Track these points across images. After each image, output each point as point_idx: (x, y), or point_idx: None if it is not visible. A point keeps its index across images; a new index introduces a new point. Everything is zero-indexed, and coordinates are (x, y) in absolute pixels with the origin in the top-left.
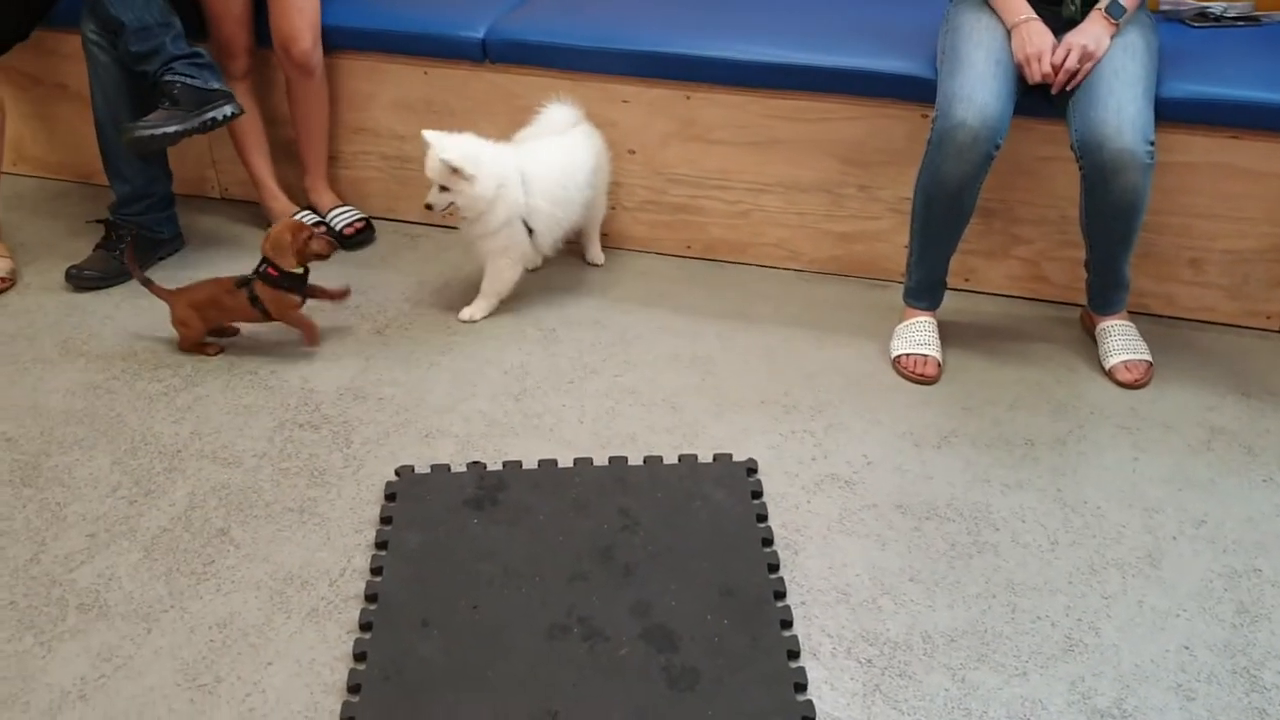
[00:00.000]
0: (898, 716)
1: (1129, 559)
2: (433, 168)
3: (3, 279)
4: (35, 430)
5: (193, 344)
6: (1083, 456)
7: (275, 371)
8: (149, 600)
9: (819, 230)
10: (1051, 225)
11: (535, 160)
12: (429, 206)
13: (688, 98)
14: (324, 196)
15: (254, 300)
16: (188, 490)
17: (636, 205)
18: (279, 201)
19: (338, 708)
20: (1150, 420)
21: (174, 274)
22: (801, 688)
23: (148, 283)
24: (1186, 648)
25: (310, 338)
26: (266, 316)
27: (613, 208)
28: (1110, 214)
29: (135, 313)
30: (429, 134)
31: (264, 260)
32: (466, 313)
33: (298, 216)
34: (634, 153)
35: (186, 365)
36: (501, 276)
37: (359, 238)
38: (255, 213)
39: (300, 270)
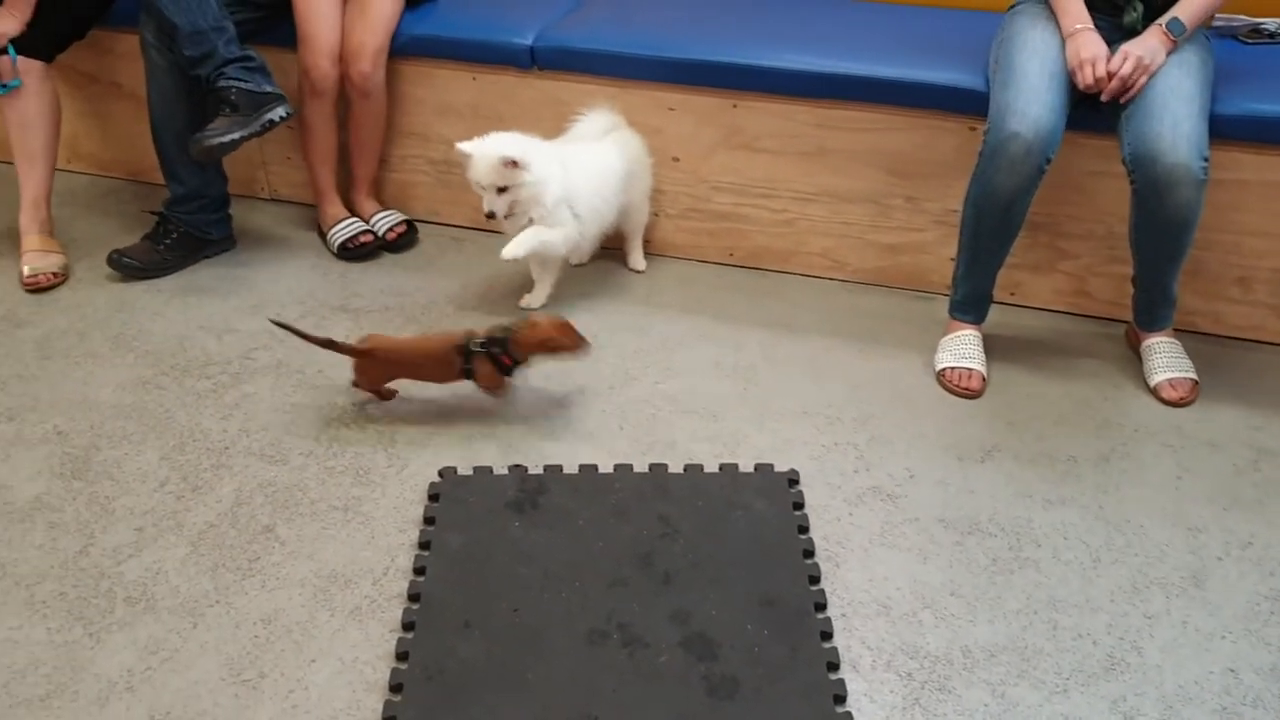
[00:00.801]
0: None
1: (1172, 579)
2: (485, 172)
3: (55, 274)
4: (85, 424)
5: (368, 390)
6: (1126, 474)
7: (322, 371)
8: (195, 595)
9: (864, 241)
10: (1098, 240)
11: (568, 161)
12: (491, 215)
13: (734, 106)
14: (366, 205)
15: (468, 372)
16: (234, 486)
17: (680, 213)
18: (334, 206)
19: (379, 706)
20: (1195, 439)
21: (224, 272)
22: (841, 699)
23: (330, 344)
24: (1231, 670)
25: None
26: (463, 377)
27: (655, 214)
28: (1161, 230)
29: (185, 309)
30: (465, 145)
31: (503, 342)
32: (532, 300)
33: (347, 223)
34: (678, 160)
35: (234, 363)
36: (553, 233)
37: (401, 241)
38: (304, 214)
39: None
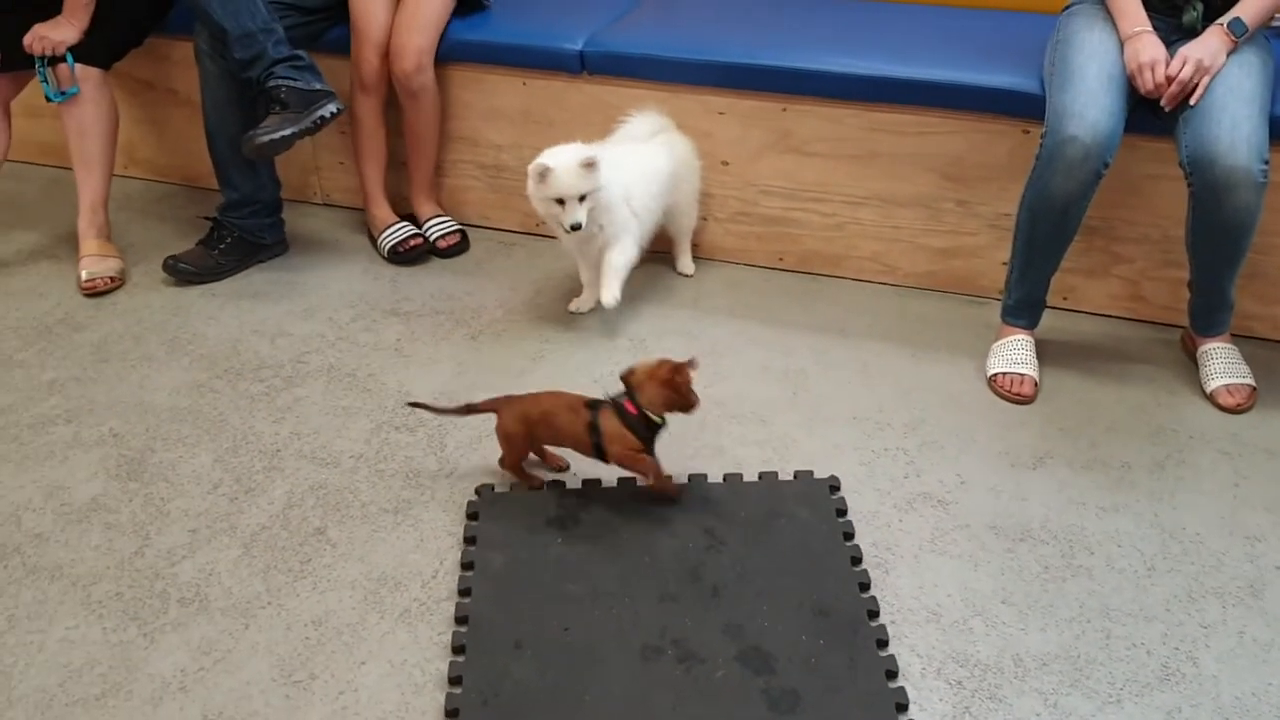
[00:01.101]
0: None
1: (1229, 588)
2: (569, 181)
3: (112, 278)
4: (141, 427)
5: (514, 464)
6: (1182, 481)
7: (373, 375)
8: (247, 596)
9: (915, 245)
10: (1154, 244)
11: (618, 161)
12: (577, 226)
13: (784, 110)
14: (424, 207)
15: (593, 428)
16: (286, 489)
17: (729, 216)
18: (382, 209)
19: (429, 708)
20: (1253, 446)
21: (277, 277)
22: (903, 708)
23: (469, 409)
24: None
25: (661, 486)
26: (600, 454)
27: (704, 218)
28: (1219, 233)
29: (238, 313)
30: (542, 159)
31: (625, 392)
32: (611, 298)
33: (396, 227)
34: (728, 164)
35: (287, 366)
36: (627, 253)
37: (453, 249)
38: (356, 218)
39: (661, 420)
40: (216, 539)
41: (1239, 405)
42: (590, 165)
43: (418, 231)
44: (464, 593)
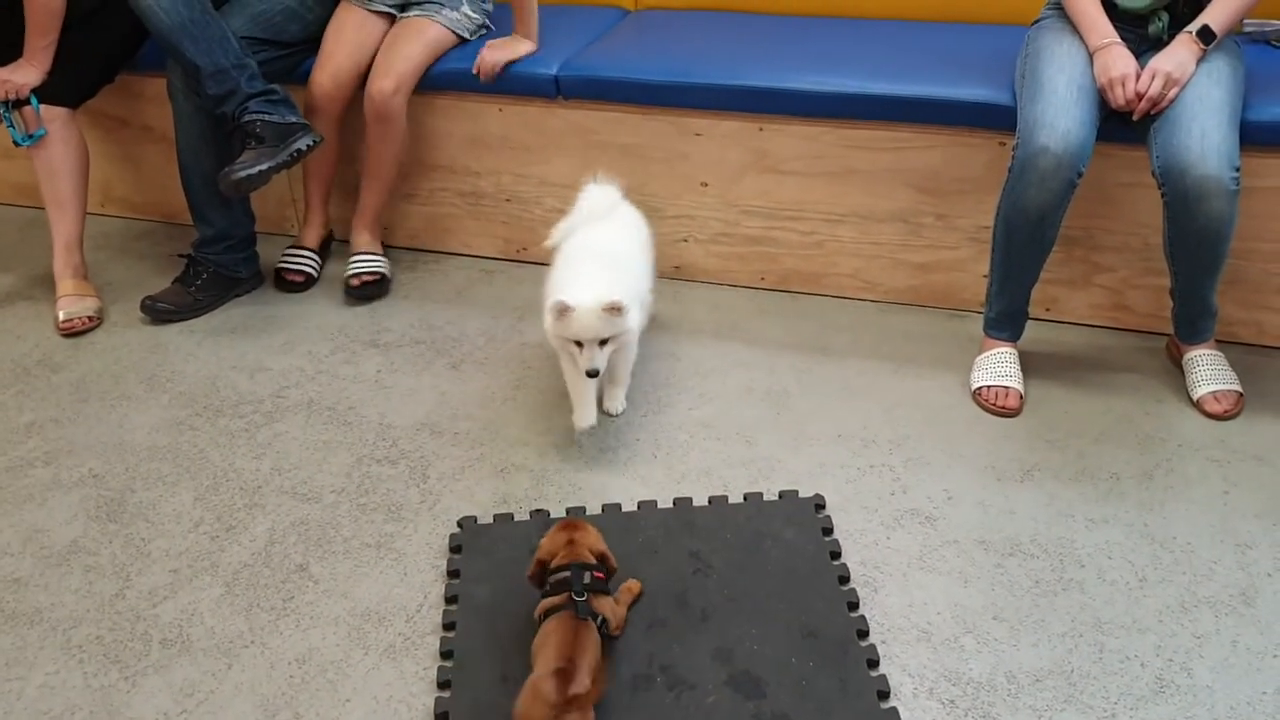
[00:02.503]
0: None
1: (1222, 597)
2: (592, 325)
3: (90, 318)
4: (120, 466)
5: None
6: (1171, 490)
7: (353, 408)
8: (230, 635)
9: (895, 260)
10: (1134, 253)
11: (618, 257)
12: (594, 373)
13: (760, 129)
14: (360, 238)
15: (600, 622)
16: (268, 526)
17: (709, 238)
18: (311, 229)
19: None
20: (1241, 453)
21: (254, 311)
22: None
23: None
24: None
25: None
26: (605, 639)
27: (685, 240)
28: (1195, 241)
29: (216, 350)
30: (563, 297)
31: (584, 566)
32: (617, 406)
33: (295, 252)
34: (707, 185)
35: (266, 402)
36: (633, 355)
37: (364, 291)
38: (334, 251)
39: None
40: (198, 578)
41: (1226, 412)
42: (616, 310)
43: (303, 266)
44: (448, 627)
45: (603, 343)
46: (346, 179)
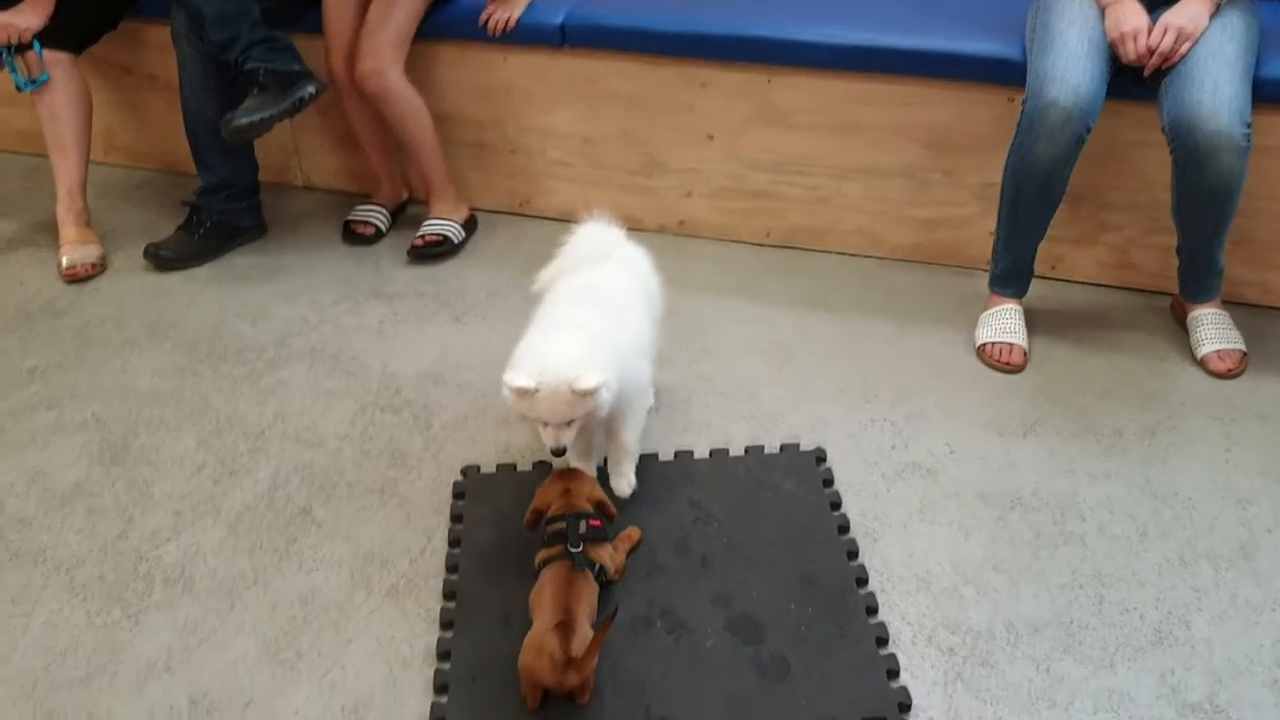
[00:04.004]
0: (980, 706)
1: (1221, 551)
2: (558, 410)
3: (93, 265)
4: (123, 411)
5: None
6: (1173, 447)
7: (356, 357)
8: (233, 576)
9: (901, 217)
10: (1142, 211)
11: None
12: (560, 452)
13: (768, 81)
14: (432, 206)
15: (598, 571)
16: (271, 470)
17: (713, 192)
18: (383, 191)
19: (417, 683)
20: (1244, 411)
21: (258, 260)
22: (894, 674)
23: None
24: None
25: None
26: (603, 586)
27: (688, 194)
28: (1204, 199)
29: (219, 297)
30: (519, 378)
31: (580, 515)
32: (626, 485)
33: (364, 206)
34: (712, 138)
35: (269, 349)
36: (641, 421)
37: (420, 251)
38: (339, 201)
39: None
40: (201, 520)
41: (1230, 371)
42: (587, 396)
43: (369, 218)
44: (452, 569)
45: (570, 422)
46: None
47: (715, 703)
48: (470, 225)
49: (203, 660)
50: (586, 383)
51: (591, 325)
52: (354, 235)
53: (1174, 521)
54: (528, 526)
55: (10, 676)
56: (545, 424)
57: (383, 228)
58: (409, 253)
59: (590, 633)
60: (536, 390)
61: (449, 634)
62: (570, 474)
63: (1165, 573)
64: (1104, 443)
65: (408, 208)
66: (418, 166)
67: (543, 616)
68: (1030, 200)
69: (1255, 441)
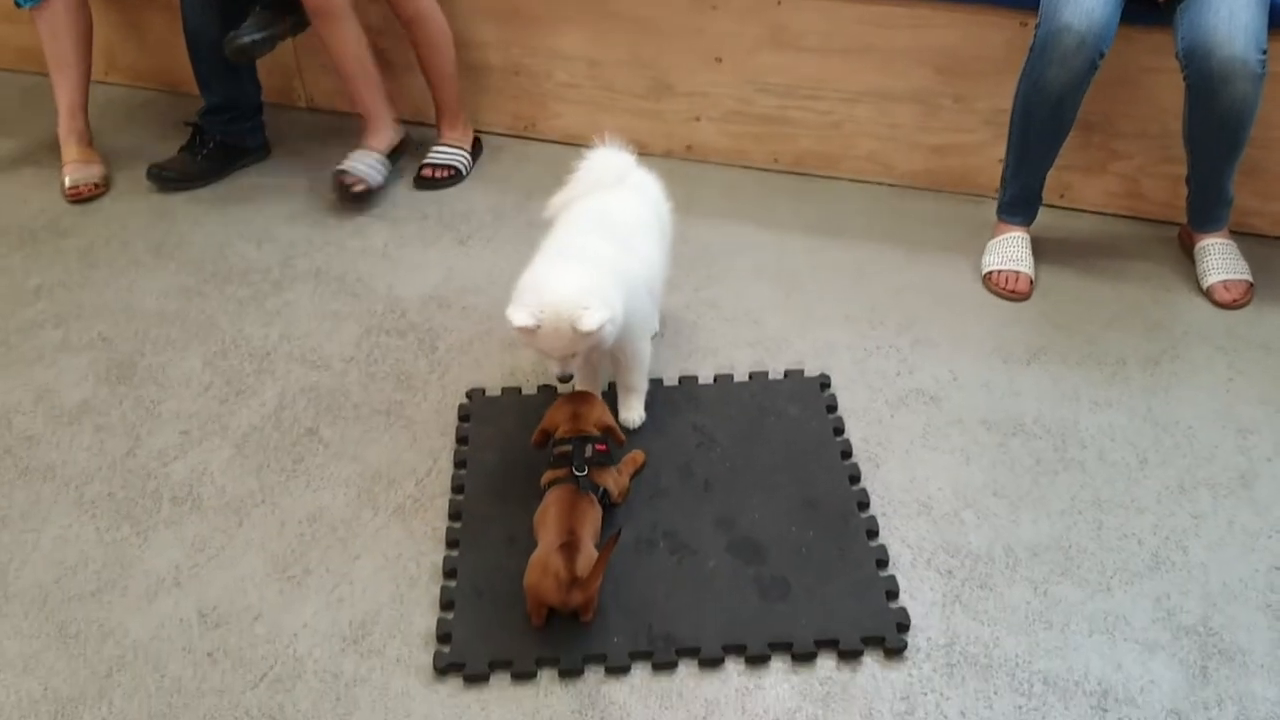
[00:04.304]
0: (977, 627)
1: (1221, 479)
2: (559, 345)
3: (96, 185)
4: (129, 330)
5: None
6: (1176, 376)
7: (361, 279)
8: (240, 494)
9: (912, 143)
10: (1152, 140)
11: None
12: (567, 379)
13: (778, 3)
14: (445, 134)
15: (602, 494)
16: (277, 391)
17: (722, 116)
18: (375, 136)
19: (423, 599)
20: (1248, 341)
21: (261, 181)
22: (893, 595)
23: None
24: (1278, 569)
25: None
26: (607, 509)
27: (697, 119)
28: (1216, 126)
29: (224, 218)
30: (521, 314)
31: (586, 439)
32: (635, 417)
33: (359, 152)
34: (721, 61)
35: (274, 270)
36: (647, 356)
37: (430, 182)
38: (341, 122)
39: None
40: (208, 439)
41: (1236, 301)
42: (588, 335)
43: (364, 176)
44: (457, 489)
45: (574, 354)
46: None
47: (717, 622)
48: (476, 150)
49: (211, 576)
50: (587, 323)
51: (599, 255)
52: (347, 192)
53: (1174, 449)
54: (535, 446)
55: (22, 590)
56: (551, 358)
57: (379, 182)
58: (416, 181)
59: (594, 553)
60: (538, 328)
61: (455, 553)
62: (579, 397)
63: (1164, 499)
64: (1107, 371)
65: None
66: (435, 91)
67: (547, 537)
68: (1041, 126)
69: (1258, 371)
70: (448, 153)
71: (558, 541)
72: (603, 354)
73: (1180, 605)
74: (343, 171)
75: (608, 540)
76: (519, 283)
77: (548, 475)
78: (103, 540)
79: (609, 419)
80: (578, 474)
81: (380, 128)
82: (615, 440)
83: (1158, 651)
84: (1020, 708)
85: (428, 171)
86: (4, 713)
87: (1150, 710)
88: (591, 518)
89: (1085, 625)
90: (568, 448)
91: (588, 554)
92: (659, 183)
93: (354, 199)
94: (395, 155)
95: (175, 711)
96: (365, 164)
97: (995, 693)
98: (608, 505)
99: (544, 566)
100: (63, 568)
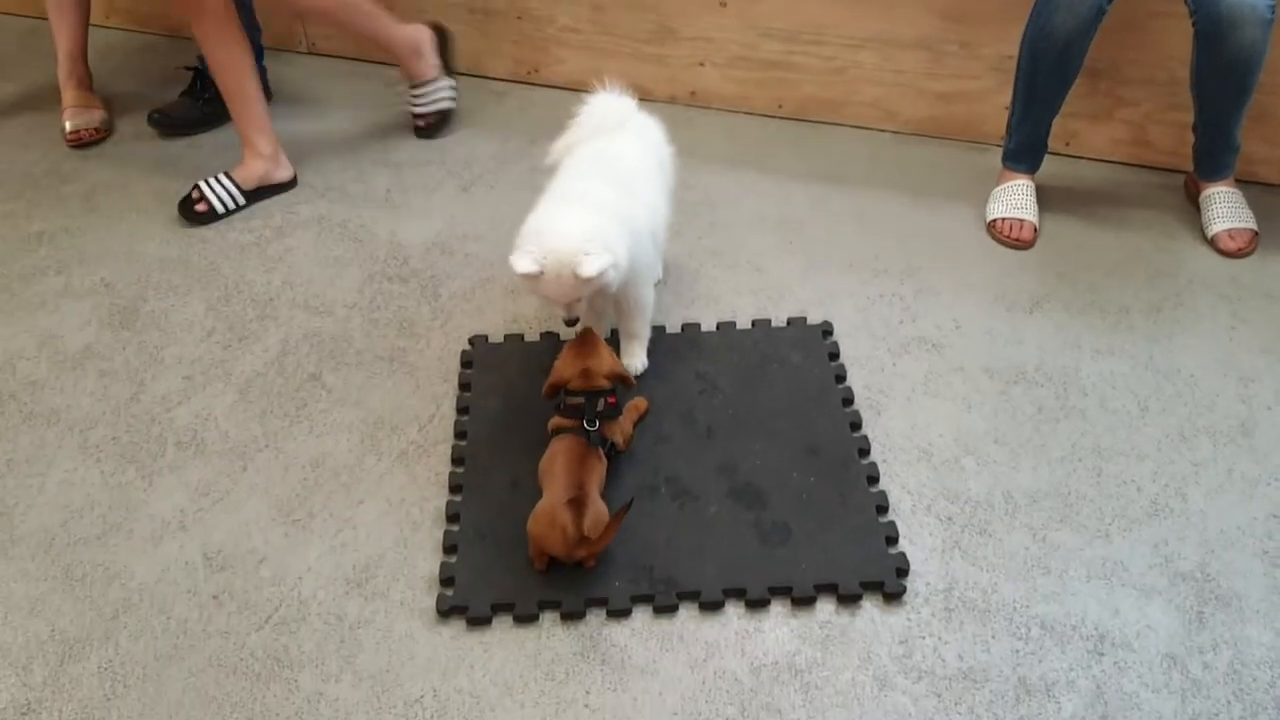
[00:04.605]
0: (976, 572)
1: (1221, 427)
2: (563, 291)
3: (96, 129)
4: (132, 276)
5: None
6: (1178, 324)
7: (364, 225)
8: (244, 439)
9: (917, 89)
10: (1159, 87)
11: (621, 187)
12: (573, 322)
13: None
14: (410, 72)
15: (609, 448)
16: (280, 337)
17: (727, 61)
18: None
19: (426, 543)
20: (1252, 290)
21: None
22: (893, 541)
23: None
24: (1275, 516)
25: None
26: (612, 459)
27: (701, 64)
28: (1224, 72)
29: (225, 164)
30: (524, 261)
31: (599, 393)
32: (638, 364)
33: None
34: (725, 5)
35: (277, 217)
36: (650, 304)
37: (429, 131)
38: (344, 67)
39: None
40: (211, 385)
41: (1240, 249)
42: (590, 280)
43: (202, 186)
44: (460, 435)
45: (578, 299)
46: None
47: (717, 566)
48: (444, 46)
49: (216, 520)
50: (588, 269)
51: (603, 200)
52: (190, 205)
53: (1175, 397)
54: (545, 398)
55: (28, 533)
56: (556, 303)
57: (223, 213)
58: (416, 133)
59: (602, 508)
60: (541, 274)
61: (457, 497)
62: (586, 346)
63: (1164, 447)
64: (1110, 319)
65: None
66: (378, 43)
67: (554, 489)
68: (1047, 73)
69: (1261, 320)
70: (426, 93)
71: (566, 495)
72: (606, 299)
73: (1178, 551)
74: (197, 185)
75: (619, 509)
76: (522, 229)
77: (555, 422)
78: (108, 484)
79: (618, 366)
80: (589, 429)
81: (248, 158)
82: (626, 385)
83: (1154, 597)
84: (1017, 651)
85: (421, 123)
86: (12, 653)
87: (1146, 654)
88: (599, 471)
89: (1083, 571)
90: (579, 399)
91: (595, 510)
92: (661, 127)
93: (194, 216)
94: (276, 190)
95: (181, 653)
96: (220, 189)
97: (993, 637)
98: (613, 455)
99: (551, 519)
100: (68, 511)
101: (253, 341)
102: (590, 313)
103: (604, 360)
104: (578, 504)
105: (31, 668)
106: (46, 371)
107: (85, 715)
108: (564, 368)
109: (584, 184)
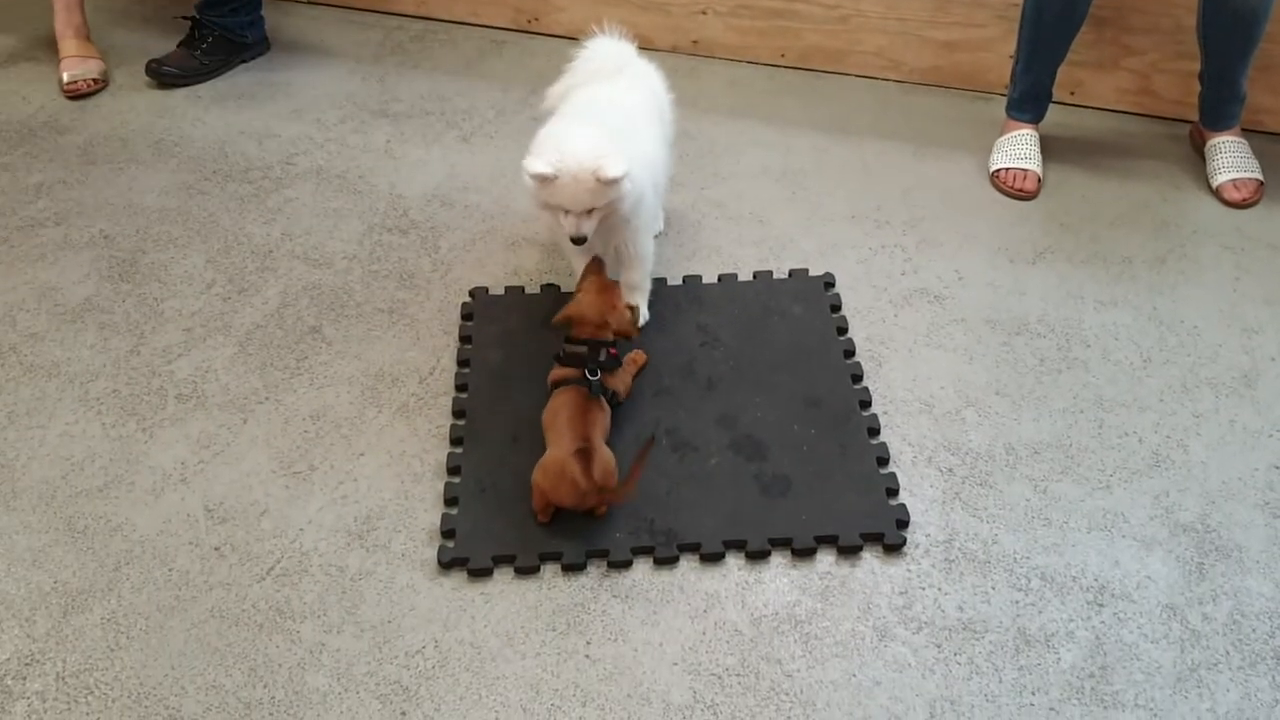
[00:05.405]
0: (976, 523)
1: (1223, 378)
2: (576, 197)
3: (95, 80)
4: (131, 228)
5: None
6: (1182, 275)
7: (363, 177)
8: (244, 392)
9: (921, 38)
10: (1165, 35)
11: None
12: (581, 240)
13: None
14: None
15: (610, 397)
16: (280, 289)
17: (729, 10)
18: None
19: (427, 495)
20: (1256, 240)
21: (261, 77)
22: (893, 493)
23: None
24: (1277, 468)
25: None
26: (613, 410)
27: (703, 12)
28: (1230, 21)
29: (224, 115)
30: (539, 163)
31: (602, 343)
32: (640, 319)
33: None
34: None
35: (275, 168)
36: (649, 255)
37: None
38: (343, 16)
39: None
40: (212, 337)
41: (1245, 200)
42: (609, 184)
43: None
44: (461, 388)
45: (591, 211)
46: None
47: (718, 518)
48: None
49: (217, 472)
50: (612, 170)
51: (608, 125)
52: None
53: (1178, 348)
54: (551, 326)
55: (30, 485)
56: (566, 211)
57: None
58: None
59: (609, 457)
60: (556, 177)
61: (458, 450)
62: (613, 297)
63: (1166, 398)
64: (1113, 270)
65: None
66: None
67: (560, 441)
68: (1052, 20)
69: (1265, 271)
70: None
71: (572, 447)
72: (609, 236)
73: (1179, 503)
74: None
75: (642, 448)
76: (533, 142)
77: (556, 373)
78: (109, 436)
79: (629, 327)
80: (591, 379)
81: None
82: (628, 339)
83: (1155, 548)
84: (1017, 602)
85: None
86: (15, 605)
87: (1146, 605)
88: (602, 421)
89: (1084, 522)
90: (580, 349)
91: (602, 459)
92: (661, 74)
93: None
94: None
95: (183, 604)
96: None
97: (993, 588)
98: (615, 406)
99: (560, 471)
100: (70, 464)
101: (252, 294)
102: (598, 236)
103: (621, 315)
104: (584, 455)
105: (35, 619)
106: (46, 324)
107: (88, 666)
108: (587, 307)
109: (589, 114)
